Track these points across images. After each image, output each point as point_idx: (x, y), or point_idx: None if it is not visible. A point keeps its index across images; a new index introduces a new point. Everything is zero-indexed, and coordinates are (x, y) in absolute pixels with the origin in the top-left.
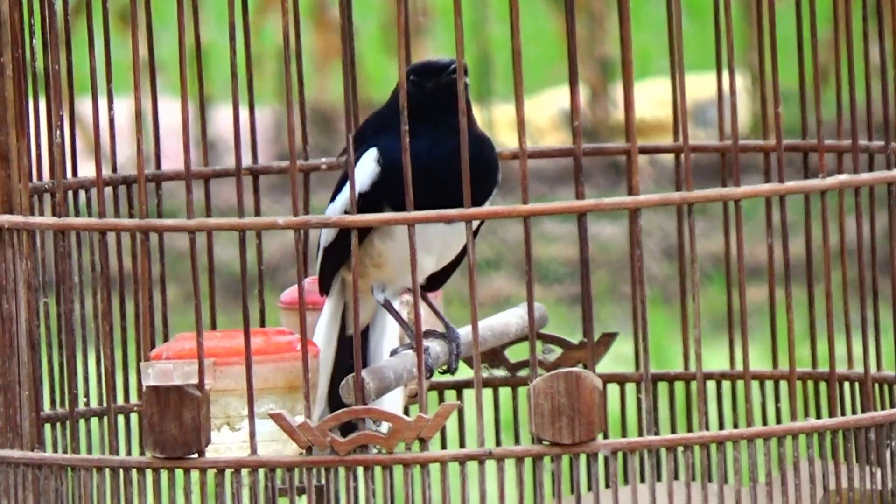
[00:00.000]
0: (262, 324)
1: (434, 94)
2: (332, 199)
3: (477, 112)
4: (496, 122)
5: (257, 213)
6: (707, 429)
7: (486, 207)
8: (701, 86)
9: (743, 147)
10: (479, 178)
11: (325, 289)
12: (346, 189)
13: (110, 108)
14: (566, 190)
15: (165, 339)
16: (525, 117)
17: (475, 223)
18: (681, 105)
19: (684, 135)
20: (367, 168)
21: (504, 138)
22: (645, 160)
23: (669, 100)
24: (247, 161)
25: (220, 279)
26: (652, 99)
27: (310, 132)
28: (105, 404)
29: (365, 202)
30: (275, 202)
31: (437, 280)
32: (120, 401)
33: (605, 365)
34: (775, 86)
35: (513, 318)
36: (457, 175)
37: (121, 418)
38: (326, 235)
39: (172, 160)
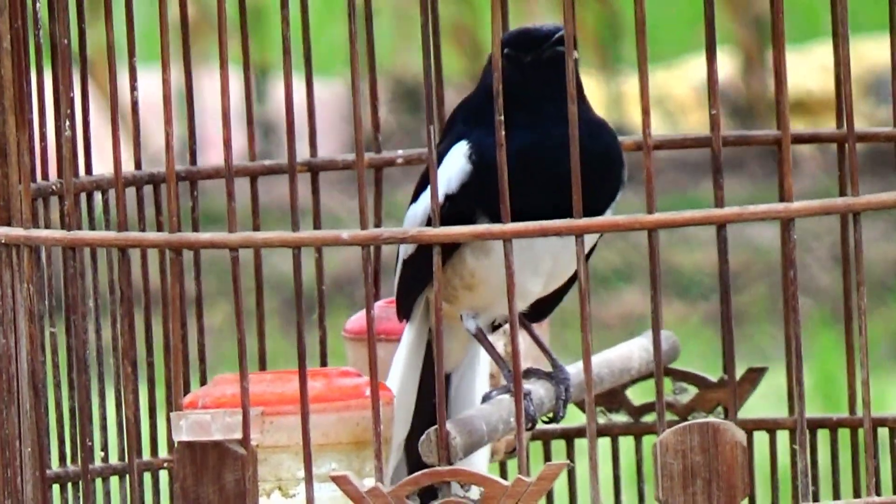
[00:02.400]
0: (324, 359)
1: (534, 70)
2: (415, 197)
3: (601, 87)
4: (626, 98)
5: (316, 217)
6: (877, 493)
7: (603, 218)
8: (884, 51)
9: None
10: (599, 177)
11: (404, 313)
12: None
13: (133, 89)
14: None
15: (203, 381)
16: (662, 92)
17: (590, 238)
18: (845, 79)
19: (849, 120)
20: (455, 166)
21: (637, 118)
22: (811, 146)
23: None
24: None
25: (278, 299)
26: (821, 67)
27: (393, 111)
28: (127, 460)
29: (454, 208)
30: (350, 198)
31: (543, 306)
32: (146, 455)
33: (758, 404)
34: None
35: (636, 350)
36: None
37: (147, 477)
38: (407, 246)
39: (218, 149)
